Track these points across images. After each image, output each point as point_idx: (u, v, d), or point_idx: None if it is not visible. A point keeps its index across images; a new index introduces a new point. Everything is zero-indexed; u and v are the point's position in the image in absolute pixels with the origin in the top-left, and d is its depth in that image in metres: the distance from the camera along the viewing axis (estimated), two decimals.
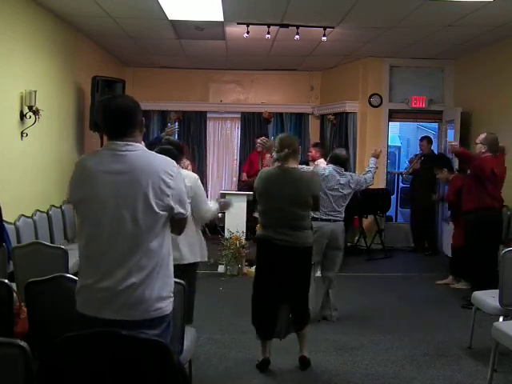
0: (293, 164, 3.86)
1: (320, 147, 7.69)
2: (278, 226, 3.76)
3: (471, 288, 5.12)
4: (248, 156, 9.28)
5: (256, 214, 7.58)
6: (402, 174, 9.83)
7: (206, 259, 4.24)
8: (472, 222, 5.51)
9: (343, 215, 5.10)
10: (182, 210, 2.26)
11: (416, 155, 8.73)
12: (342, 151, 5.25)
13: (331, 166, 5.05)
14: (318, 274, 5.22)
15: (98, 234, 2.19)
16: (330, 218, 4.94)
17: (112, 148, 2.24)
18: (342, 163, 5.08)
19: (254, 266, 4.15)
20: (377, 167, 5.41)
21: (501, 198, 5.50)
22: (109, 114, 2.27)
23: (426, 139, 8.37)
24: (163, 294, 2.23)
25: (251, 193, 7.41)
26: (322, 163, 6.17)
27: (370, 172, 5.27)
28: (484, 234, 5.35)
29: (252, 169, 8.79)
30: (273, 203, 3.80)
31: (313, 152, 7.17)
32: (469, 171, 5.79)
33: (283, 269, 3.78)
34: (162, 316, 2.23)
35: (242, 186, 8.69)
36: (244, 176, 8.91)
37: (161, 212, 2.19)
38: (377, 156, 5.43)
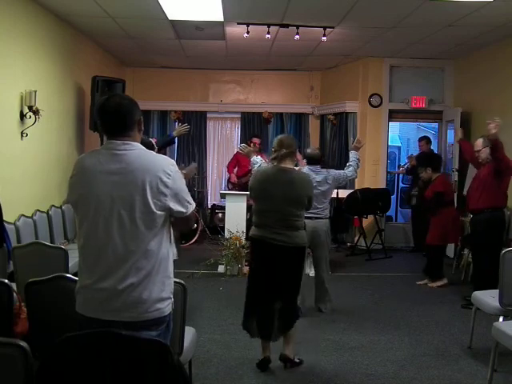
0: (289, 165, 3.89)
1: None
2: (273, 225, 3.77)
3: (473, 289, 5.11)
4: (234, 155, 9.13)
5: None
6: (400, 165, 9.88)
7: (176, 257, 4.24)
8: (487, 222, 5.36)
9: (326, 212, 5.20)
10: (181, 209, 2.25)
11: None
12: (313, 150, 5.39)
13: (306, 166, 5.20)
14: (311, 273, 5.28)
15: (95, 233, 2.19)
16: (312, 215, 4.94)
17: (110, 147, 2.24)
18: (316, 161, 5.20)
19: (248, 266, 4.18)
20: (359, 159, 5.35)
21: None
22: (105, 113, 2.26)
23: (425, 139, 8.38)
24: (162, 295, 2.22)
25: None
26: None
27: (351, 166, 5.31)
28: (496, 234, 5.36)
29: (241, 169, 8.75)
30: (269, 203, 3.80)
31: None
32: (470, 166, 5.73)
33: (276, 268, 3.79)
34: (161, 317, 2.22)
35: (232, 187, 8.65)
36: (233, 177, 8.85)
37: (158, 212, 2.18)
38: (356, 148, 5.40)
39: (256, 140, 8.44)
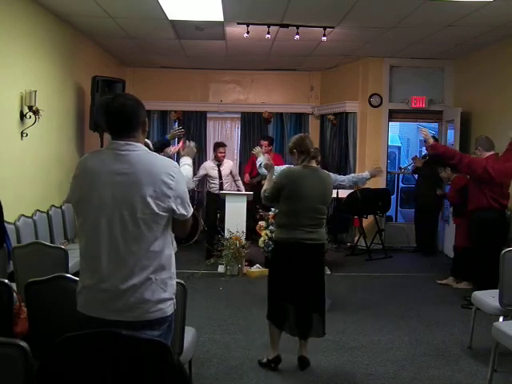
0: (315, 164, 3.98)
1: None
2: (308, 225, 3.79)
3: (473, 289, 5.11)
4: (250, 157, 9.20)
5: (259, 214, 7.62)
6: (401, 168, 9.88)
7: (176, 249, 4.26)
8: (472, 223, 5.51)
9: None
10: (183, 212, 2.25)
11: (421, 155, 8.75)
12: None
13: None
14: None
15: (97, 234, 2.18)
16: None
17: (113, 148, 2.24)
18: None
19: (270, 267, 4.16)
20: (366, 179, 4.92)
21: (505, 196, 5.43)
22: (109, 113, 2.27)
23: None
24: (165, 296, 2.23)
25: (251, 193, 7.42)
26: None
27: (349, 176, 5.05)
28: (484, 235, 5.33)
29: (254, 169, 8.74)
30: (303, 202, 3.79)
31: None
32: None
33: (308, 267, 3.82)
34: (163, 317, 2.22)
35: (245, 187, 8.63)
36: (247, 177, 8.84)
37: (161, 213, 2.18)
38: (373, 175, 4.99)
39: (263, 142, 8.48)
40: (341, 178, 5.06)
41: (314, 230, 3.82)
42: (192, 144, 3.89)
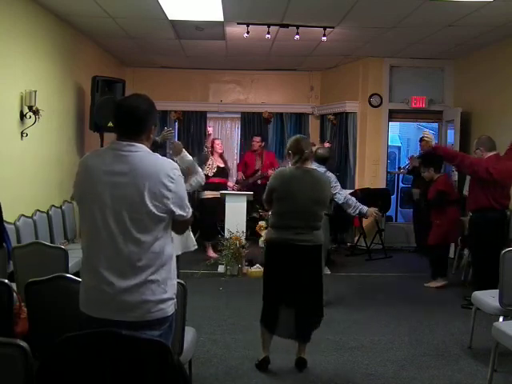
0: (310, 165, 3.92)
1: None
2: (300, 226, 3.74)
3: (473, 289, 5.10)
4: (242, 157, 9.24)
5: (255, 214, 7.64)
6: (400, 168, 9.90)
7: (192, 248, 4.29)
8: (472, 223, 5.51)
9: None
10: (182, 213, 2.26)
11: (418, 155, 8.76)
12: (324, 150, 5.55)
13: (315, 165, 5.21)
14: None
15: (98, 234, 2.19)
16: None
17: (114, 148, 2.24)
18: (322, 161, 5.30)
19: (263, 268, 4.13)
20: (359, 211, 5.44)
21: (506, 197, 5.41)
22: (118, 112, 2.28)
23: None
24: (165, 296, 2.23)
25: (251, 193, 7.42)
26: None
27: (347, 197, 5.42)
28: (484, 235, 5.33)
29: (248, 169, 8.77)
30: (296, 204, 3.76)
31: None
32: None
33: (300, 269, 3.78)
34: (163, 317, 2.22)
35: (238, 188, 8.61)
36: (240, 175, 8.85)
37: (161, 214, 2.18)
38: (370, 213, 5.53)
39: (256, 138, 8.64)
40: (337, 193, 5.34)
41: (308, 231, 3.76)
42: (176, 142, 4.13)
